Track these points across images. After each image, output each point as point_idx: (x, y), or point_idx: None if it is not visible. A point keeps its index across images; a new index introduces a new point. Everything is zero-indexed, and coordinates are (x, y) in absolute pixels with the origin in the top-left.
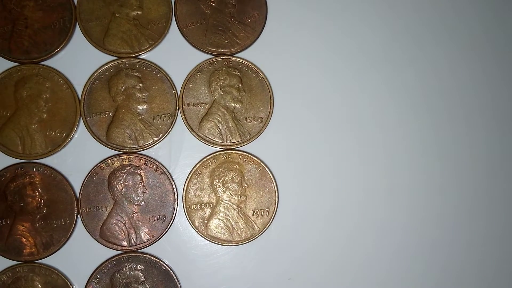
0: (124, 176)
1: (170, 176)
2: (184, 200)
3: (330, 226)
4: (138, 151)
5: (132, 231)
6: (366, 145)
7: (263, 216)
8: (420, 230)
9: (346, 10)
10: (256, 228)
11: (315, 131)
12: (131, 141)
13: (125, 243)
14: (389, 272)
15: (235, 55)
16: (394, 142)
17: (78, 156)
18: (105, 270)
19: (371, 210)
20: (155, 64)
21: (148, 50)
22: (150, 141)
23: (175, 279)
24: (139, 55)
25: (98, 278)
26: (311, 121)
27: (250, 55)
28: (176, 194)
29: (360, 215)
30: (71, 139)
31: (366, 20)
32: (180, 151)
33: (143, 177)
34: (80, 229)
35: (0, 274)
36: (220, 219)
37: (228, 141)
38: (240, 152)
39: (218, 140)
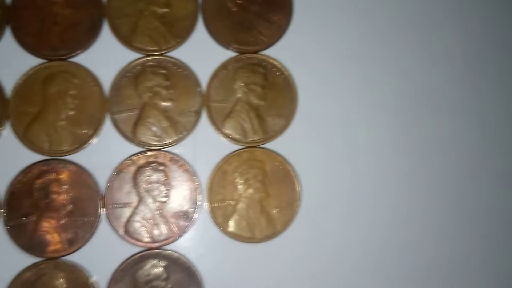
0: (149, 172)
1: (194, 173)
2: (207, 197)
3: (352, 224)
4: (163, 148)
5: (156, 227)
6: (391, 143)
7: (285, 213)
8: (448, 228)
9: (370, 8)
10: (278, 225)
11: (338, 128)
12: (157, 138)
13: (148, 240)
14: (414, 270)
15: (260, 52)
16: (420, 141)
17: (104, 153)
18: (129, 267)
19: (395, 208)
20: (181, 61)
21: (175, 48)
22: (175, 138)
23: (198, 275)
24: (166, 52)
25: (121, 274)
26: (335, 119)
27: (275, 52)
28: (199, 191)
29: (384, 213)
30: (97, 136)
31: (391, 18)
32: (204, 148)
33: (167, 174)
34: (104, 226)
35: (25, 271)
36: (242, 216)
37: (251, 139)
38: (263, 149)
39: (241, 138)
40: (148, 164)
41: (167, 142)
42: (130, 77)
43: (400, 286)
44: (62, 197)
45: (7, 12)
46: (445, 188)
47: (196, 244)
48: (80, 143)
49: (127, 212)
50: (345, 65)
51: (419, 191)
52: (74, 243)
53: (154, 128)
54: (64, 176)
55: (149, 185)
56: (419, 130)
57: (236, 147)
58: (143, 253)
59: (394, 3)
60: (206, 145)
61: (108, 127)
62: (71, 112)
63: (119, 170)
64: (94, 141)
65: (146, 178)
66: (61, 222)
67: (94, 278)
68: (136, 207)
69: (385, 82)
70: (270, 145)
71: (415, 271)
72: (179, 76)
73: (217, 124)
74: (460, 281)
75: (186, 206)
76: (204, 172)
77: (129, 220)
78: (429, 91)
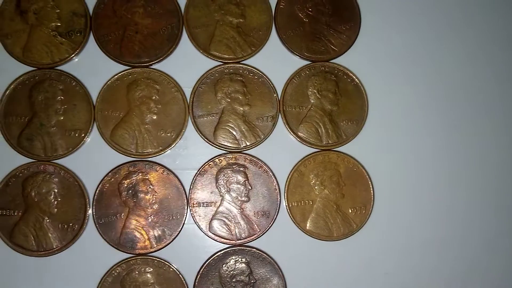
0: (230, 173)
1: (273, 174)
2: (286, 197)
3: (424, 223)
4: (243, 150)
5: (239, 225)
6: (462, 146)
7: (360, 213)
8: None
9: (437, 16)
10: (354, 224)
11: (407, 132)
12: (236, 141)
13: (231, 237)
14: (490, 271)
15: (331, 61)
16: (493, 143)
17: (187, 155)
18: (213, 263)
19: (467, 210)
20: (257, 69)
21: (250, 56)
22: (254, 141)
23: (279, 271)
24: (242, 60)
25: (207, 269)
26: (405, 123)
27: (345, 61)
28: (278, 191)
29: (455, 212)
30: (180, 139)
31: (459, 24)
32: (281, 151)
33: (248, 175)
34: (189, 224)
35: (115, 266)
36: (319, 215)
37: (325, 142)
38: (337, 152)
39: (316, 141)
40: (229, 165)
41: (246, 144)
42: (209, 83)
43: (475, 284)
44: (149, 197)
45: (90, 21)
46: None
47: (276, 241)
48: (164, 146)
49: (210, 211)
50: (412, 72)
51: (492, 192)
52: (162, 240)
53: (233, 132)
54: (150, 176)
55: (230, 185)
56: (492, 132)
57: (311, 150)
58: (226, 249)
59: (462, 9)
60: (283, 148)
61: (190, 130)
62: (155, 117)
63: (202, 171)
64: (177, 143)
65: (227, 178)
66: (149, 220)
67: (181, 273)
68: (219, 207)
69: (455, 87)
70: (344, 148)
71: (491, 270)
72: (255, 83)
73: (293, 128)
74: None
75: (266, 206)
76: (282, 173)
77: (213, 218)
78: (502, 95)
